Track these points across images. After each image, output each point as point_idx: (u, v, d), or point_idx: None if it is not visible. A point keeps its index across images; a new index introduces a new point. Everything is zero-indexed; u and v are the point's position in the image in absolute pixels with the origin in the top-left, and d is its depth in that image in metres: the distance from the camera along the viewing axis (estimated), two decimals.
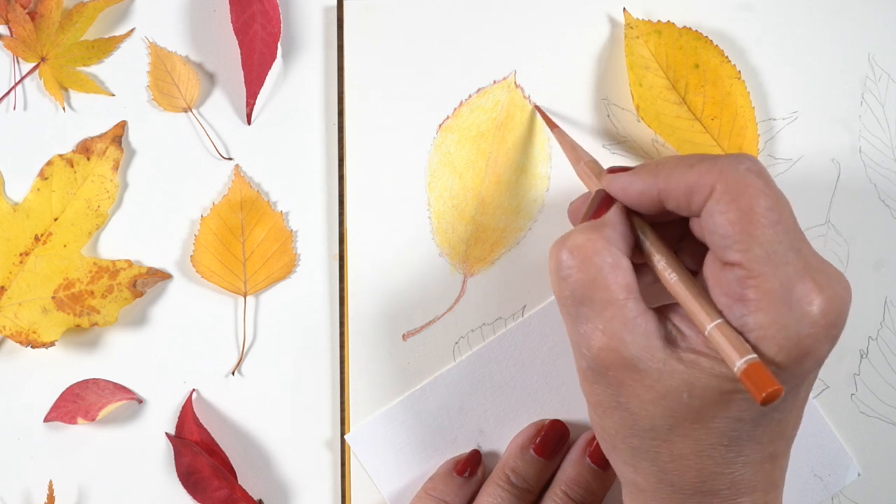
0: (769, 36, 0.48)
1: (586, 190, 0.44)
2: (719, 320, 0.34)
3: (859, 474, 0.46)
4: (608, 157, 0.48)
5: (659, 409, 0.35)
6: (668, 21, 0.48)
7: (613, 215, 0.38)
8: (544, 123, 0.47)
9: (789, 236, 0.34)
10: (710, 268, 0.36)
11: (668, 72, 0.47)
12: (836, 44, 0.48)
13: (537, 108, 0.48)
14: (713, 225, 0.34)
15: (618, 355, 0.35)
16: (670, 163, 0.37)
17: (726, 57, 0.47)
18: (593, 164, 0.43)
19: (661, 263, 0.37)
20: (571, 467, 0.45)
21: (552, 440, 0.45)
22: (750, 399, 0.34)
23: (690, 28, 0.47)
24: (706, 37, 0.47)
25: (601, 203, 0.39)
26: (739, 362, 0.33)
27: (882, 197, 0.48)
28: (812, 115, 0.48)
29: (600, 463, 0.44)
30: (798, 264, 0.34)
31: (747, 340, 0.34)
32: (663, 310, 0.37)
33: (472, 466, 0.46)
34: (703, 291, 0.35)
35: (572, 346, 0.38)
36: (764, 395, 0.32)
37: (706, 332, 0.34)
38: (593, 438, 0.45)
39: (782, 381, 0.34)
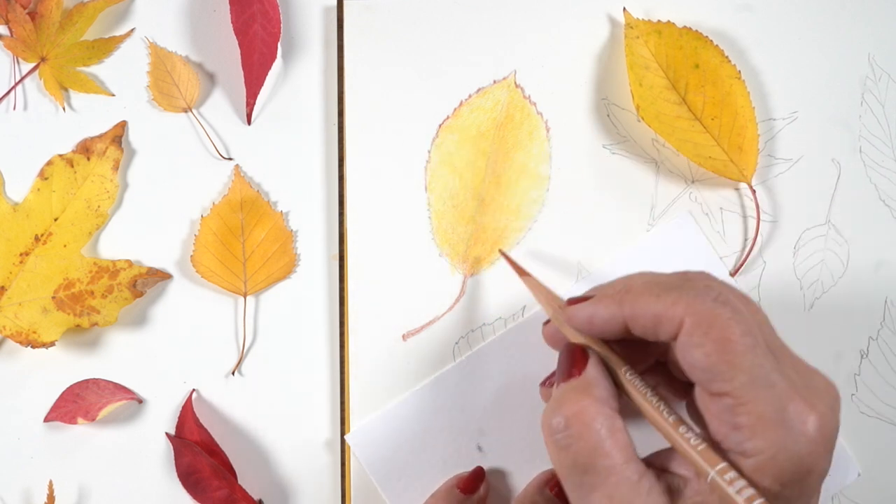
0: (769, 36, 0.48)
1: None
2: (720, 465, 0.34)
3: (859, 474, 0.46)
4: (608, 157, 0.48)
5: None
6: (668, 21, 0.48)
7: (596, 372, 0.37)
8: (509, 264, 0.45)
9: (769, 358, 0.34)
10: (700, 396, 0.36)
11: (668, 72, 0.47)
12: (836, 44, 0.48)
13: (503, 254, 0.47)
14: (692, 359, 0.34)
15: None
16: (634, 291, 0.36)
17: (726, 57, 0.47)
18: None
19: (656, 416, 0.36)
20: None
21: None
22: None
23: (690, 28, 0.47)
24: (706, 37, 0.47)
25: (577, 356, 0.38)
26: None
27: (882, 197, 0.48)
28: (812, 115, 0.48)
29: None
30: (784, 384, 0.34)
31: (744, 474, 0.33)
32: (659, 461, 0.37)
33: (474, 484, 0.46)
34: (697, 437, 0.35)
35: None
36: None
37: (708, 481, 0.34)
38: None
39: (789, 499, 0.34)
